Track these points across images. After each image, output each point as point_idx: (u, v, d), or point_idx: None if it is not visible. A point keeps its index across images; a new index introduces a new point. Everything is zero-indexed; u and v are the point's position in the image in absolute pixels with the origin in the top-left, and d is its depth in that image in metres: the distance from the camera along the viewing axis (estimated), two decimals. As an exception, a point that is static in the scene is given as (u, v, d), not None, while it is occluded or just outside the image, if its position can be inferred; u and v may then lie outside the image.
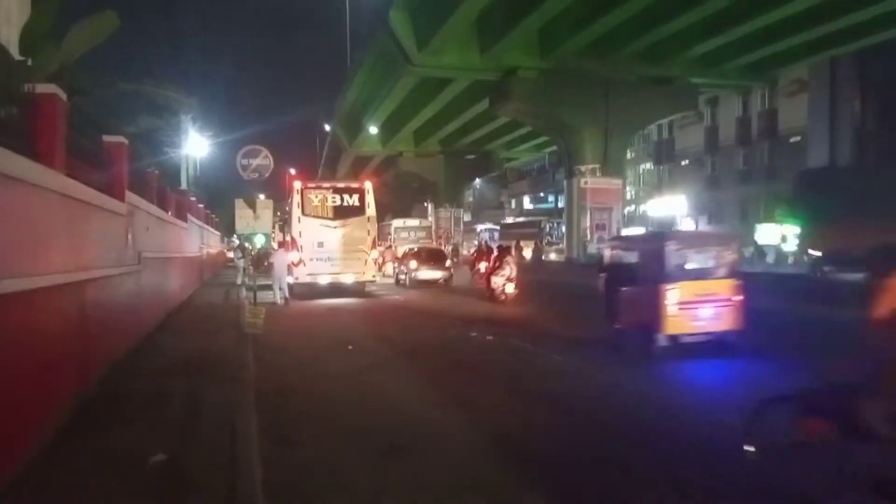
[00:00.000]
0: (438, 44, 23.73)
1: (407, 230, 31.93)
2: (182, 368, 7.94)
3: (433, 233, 36.26)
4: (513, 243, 29.75)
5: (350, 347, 10.59)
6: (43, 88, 5.40)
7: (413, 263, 22.57)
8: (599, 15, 21.74)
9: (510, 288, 16.75)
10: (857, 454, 3.98)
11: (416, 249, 24.57)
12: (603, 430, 5.89)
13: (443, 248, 31.16)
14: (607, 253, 11.73)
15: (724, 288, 9.18)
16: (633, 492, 4.51)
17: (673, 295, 8.91)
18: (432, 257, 23.73)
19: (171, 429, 5.46)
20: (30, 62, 9.54)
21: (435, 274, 22.67)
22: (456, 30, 22.80)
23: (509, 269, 16.92)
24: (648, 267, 9.52)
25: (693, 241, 10.56)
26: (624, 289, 9.87)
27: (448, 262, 24.22)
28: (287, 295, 17.19)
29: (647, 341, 9.12)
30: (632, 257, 10.36)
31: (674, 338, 9.02)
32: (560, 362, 9.23)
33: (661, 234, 12.68)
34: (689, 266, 9.31)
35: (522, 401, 7.03)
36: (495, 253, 18.32)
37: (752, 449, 4.28)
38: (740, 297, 9.10)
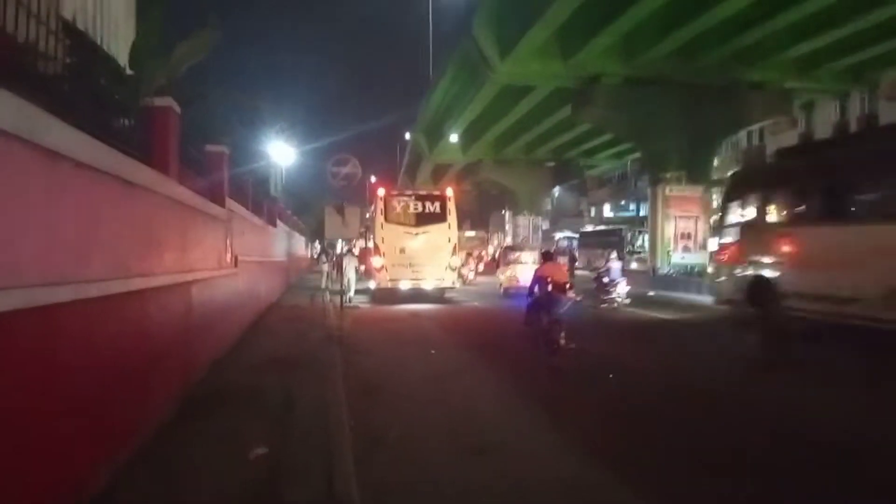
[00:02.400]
0: (521, 52, 23.74)
1: (466, 240, 38.84)
2: (275, 367, 8.30)
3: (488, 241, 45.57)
4: (480, 249, 39.86)
5: (433, 352, 10.77)
6: (160, 101, 5.81)
7: None
8: (686, 20, 21.22)
9: (471, 275, 29.26)
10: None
11: None
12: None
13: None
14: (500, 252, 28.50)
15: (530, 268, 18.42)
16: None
17: (502, 271, 23.78)
18: None
19: (270, 423, 5.74)
20: (138, 76, 10.22)
21: None
22: (539, 38, 22.76)
23: (473, 265, 31.46)
24: (501, 259, 25.64)
25: (517, 248, 26.91)
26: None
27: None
28: (351, 296, 17.97)
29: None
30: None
31: (507, 289, 22.18)
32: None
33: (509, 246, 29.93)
34: (513, 258, 23.61)
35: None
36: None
37: (528, 327, 10.01)
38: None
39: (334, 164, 12.99)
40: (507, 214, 53.02)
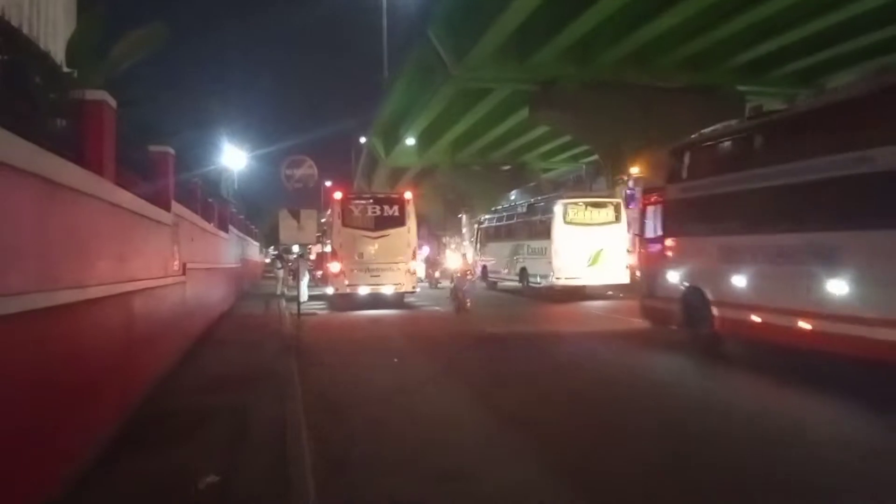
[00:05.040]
0: (477, 54, 23.49)
1: None
2: (228, 383, 7.76)
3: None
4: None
5: (395, 360, 10.34)
6: (92, 95, 5.27)
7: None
8: (641, 24, 21.30)
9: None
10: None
11: None
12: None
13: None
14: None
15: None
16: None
17: None
18: None
19: (221, 448, 5.23)
20: (76, 74, 9.55)
21: None
22: (495, 40, 22.55)
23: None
24: None
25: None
26: None
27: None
28: (304, 300, 17.22)
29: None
30: None
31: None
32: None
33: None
34: None
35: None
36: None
37: (452, 298, 18.41)
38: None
39: (288, 165, 12.42)
40: (464, 218, 52.73)
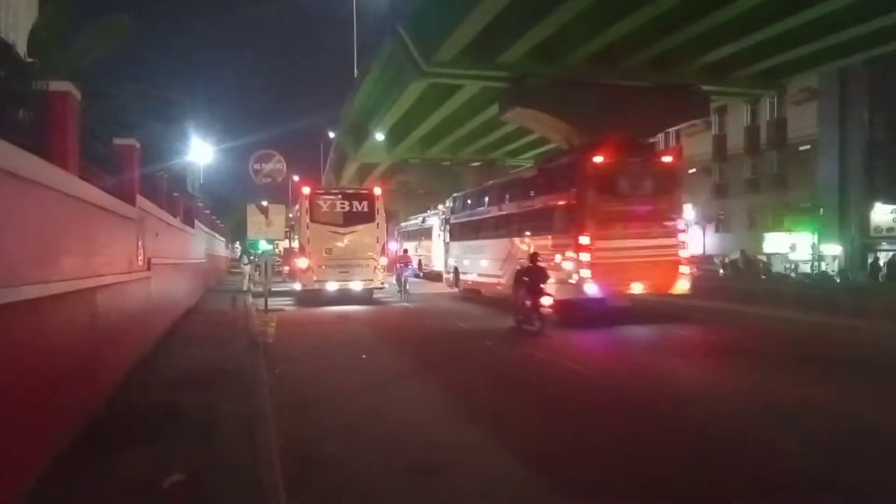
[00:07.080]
0: (447, 51, 23.43)
1: None
2: (194, 380, 7.65)
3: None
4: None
5: (364, 356, 10.32)
6: (56, 86, 5.14)
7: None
8: (611, 23, 21.46)
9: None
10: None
11: None
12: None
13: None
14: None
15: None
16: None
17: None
18: None
19: (189, 447, 5.17)
20: (38, 65, 9.31)
21: None
22: (464, 38, 22.50)
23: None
24: None
25: None
26: None
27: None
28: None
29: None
30: None
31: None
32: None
33: None
34: None
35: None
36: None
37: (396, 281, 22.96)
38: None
39: (256, 160, 12.30)
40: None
